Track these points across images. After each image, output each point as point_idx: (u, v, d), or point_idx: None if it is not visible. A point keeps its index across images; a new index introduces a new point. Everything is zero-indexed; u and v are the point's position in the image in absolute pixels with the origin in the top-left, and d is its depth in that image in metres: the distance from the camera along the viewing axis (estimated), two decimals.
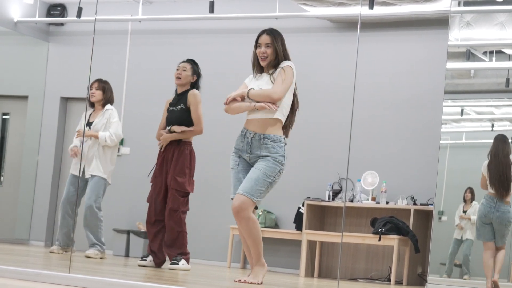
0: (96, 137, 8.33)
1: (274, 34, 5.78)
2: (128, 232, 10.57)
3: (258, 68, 5.84)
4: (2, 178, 11.82)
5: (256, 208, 5.73)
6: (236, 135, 5.82)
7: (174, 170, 7.28)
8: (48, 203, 11.46)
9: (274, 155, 5.64)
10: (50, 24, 11.77)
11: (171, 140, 7.36)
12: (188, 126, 7.35)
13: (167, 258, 7.46)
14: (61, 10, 11.63)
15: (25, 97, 11.82)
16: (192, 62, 7.52)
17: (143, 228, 10.58)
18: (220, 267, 9.56)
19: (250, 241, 5.66)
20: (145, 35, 11.18)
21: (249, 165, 5.74)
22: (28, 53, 11.98)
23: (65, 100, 11.71)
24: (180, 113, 7.35)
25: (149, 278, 5.57)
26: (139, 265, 7.35)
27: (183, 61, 7.54)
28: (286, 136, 5.83)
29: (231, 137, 9.79)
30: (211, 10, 10.02)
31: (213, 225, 10.23)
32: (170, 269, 7.08)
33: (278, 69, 5.74)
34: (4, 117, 11.91)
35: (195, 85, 7.49)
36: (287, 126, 5.83)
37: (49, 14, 11.69)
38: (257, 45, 5.81)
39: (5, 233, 11.42)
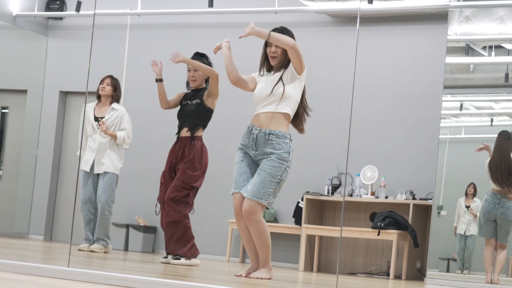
0: (114, 137, 8.36)
1: (284, 34, 5.74)
2: (127, 226, 10.58)
3: (267, 67, 5.82)
4: (1, 172, 11.83)
5: (267, 208, 5.73)
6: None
7: (184, 163, 7.15)
8: (47, 197, 11.46)
9: (279, 152, 5.63)
10: (49, 18, 11.76)
11: (181, 137, 7.24)
12: (202, 122, 7.26)
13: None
14: (60, 4, 11.63)
15: (24, 91, 11.82)
16: (200, 56, 7.34)
17: (142, 222, 10.59)
18: (219, 261, 9.57)
19: (259, 245, 5.67)
20: (144, 29, 11.17)
21: (254, 162, 5.74)
22: (27, 47, 11.98)
23: (64, 94, 11.71)
24: (195, 107, 7.22)
25: (149, 272, 5.57)
26: (162, 263, 7.27)
27: (191, 59, 7.33)
28: (302, 131, 5.86)
29: (231, 132, 9.81)
30: (211, 4, 10.02)
31: (212, 220, 10.24)
32: (173, 264, 7.07)
33: (289, 68, 5.72)
34: (3, 111, 11.91)
35: (207, 81, 7.32)
36: (298, 122, 5.84)
37: (48, 8, 11.68)
38: (267, 43, 5.79)
39: (4, 227, 11.43)
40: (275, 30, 5.77)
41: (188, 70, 7.33)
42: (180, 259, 7.10)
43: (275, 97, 5.67)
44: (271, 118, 5.67)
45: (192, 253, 7.19)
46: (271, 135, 5.64)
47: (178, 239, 7.15)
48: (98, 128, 8.41)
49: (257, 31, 5.64)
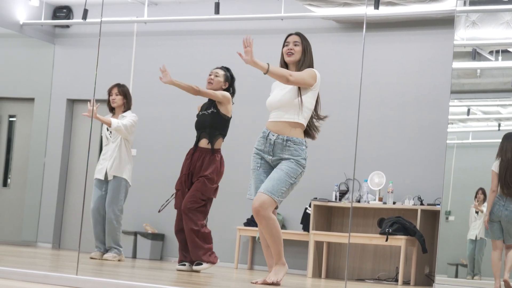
0: (108, 124, 8.30)
1: (303, 36, 5.85)
2: (135, 234, 10.58)
3: (284, 68, 5.82)
4: (9, 180, 11.85)
5: (276, 208, 5.72)
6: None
7: (203, 176, 7.25)
8: (55, 205, 11.48)
9: (297, 158, 5.65)
10: (56, 26, 11.79)
11: (201, 148, 7.33)
12: (220, 130, 7.33)
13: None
14: (66, 12, 11.66)
15: (32, 99, 11.85)
16: (225, 69, 7.49)
17: (150, 229, 10.58)
18: (228, 268, 9.56)
19: (271, 240, 5.67)
20: (150, 37, 11.19)
21: (271, 167, 5.76)
22: (34, 55, 12.00)
23: (72, 102, 11.73)
24: (211, 116, 7.30)
25: (157, 279, 5.57)
26: (178, 270, 7.28)
27: (217, 67, 7.51)
28: (313, 138, 5.87)
29: (238, 140, 9.80)
30: (217, 11, 10.03)
31: (220, 226, 10.23)
32: (194, 270, 7.14)
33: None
34: (10, 119, 11.94)
35: (227, 91, 7.43)
36: (309, 130, 5.84)
37: (54, 16, 11.71)
38: (285, 44, 5.84)
39: (13, 235, 11.44)
40: (290, 34, 5.83)
41: (209, 74, 7.45)
42: (202, 264, 7.15)
43: (289, 106, 5.69)
44: (287, 126, 5.69)
45: (212, 259, 7.24)
46: (289, 142, 5.66)
47: (199, 247, 7.20)
48: (110, 137, 8.43)
49: (256, 63, 5.54)
